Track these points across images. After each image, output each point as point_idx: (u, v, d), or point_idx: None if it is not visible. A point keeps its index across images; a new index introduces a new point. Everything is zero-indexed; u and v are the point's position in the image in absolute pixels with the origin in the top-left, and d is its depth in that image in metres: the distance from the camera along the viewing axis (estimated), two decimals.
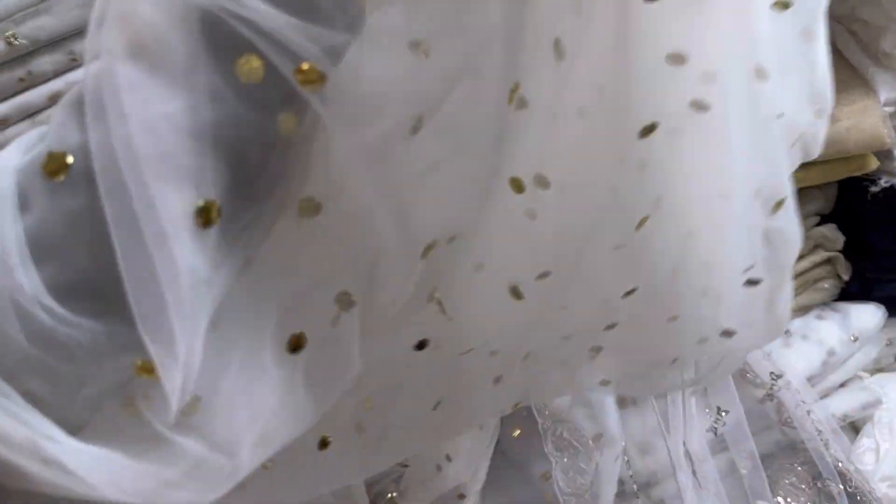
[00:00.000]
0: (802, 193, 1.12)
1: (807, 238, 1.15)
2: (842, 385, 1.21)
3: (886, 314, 1.18)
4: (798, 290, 1.16)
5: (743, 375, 1.05)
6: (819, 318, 1.17)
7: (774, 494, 1.11)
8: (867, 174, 1.09)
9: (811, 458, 1.06)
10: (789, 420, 1.04)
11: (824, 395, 1.17)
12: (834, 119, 0.99)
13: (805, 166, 1.03)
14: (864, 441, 1.18)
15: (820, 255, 1.15)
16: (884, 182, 1.09)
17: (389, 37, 0.38)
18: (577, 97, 0.47)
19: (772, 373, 1.03)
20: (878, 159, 1.06)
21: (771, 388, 1.03)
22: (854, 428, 1.21)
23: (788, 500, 1.11)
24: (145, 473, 0.38)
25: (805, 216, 1.14)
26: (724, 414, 1.03)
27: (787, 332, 1.16)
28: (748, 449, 1.04)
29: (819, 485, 1.12)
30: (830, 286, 1.17)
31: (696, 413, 1.01)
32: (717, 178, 0.55)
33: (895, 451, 1.17)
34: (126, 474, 0.37)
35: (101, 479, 0.35)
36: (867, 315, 1.17)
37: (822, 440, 1.06)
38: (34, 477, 0.33)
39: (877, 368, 1.27)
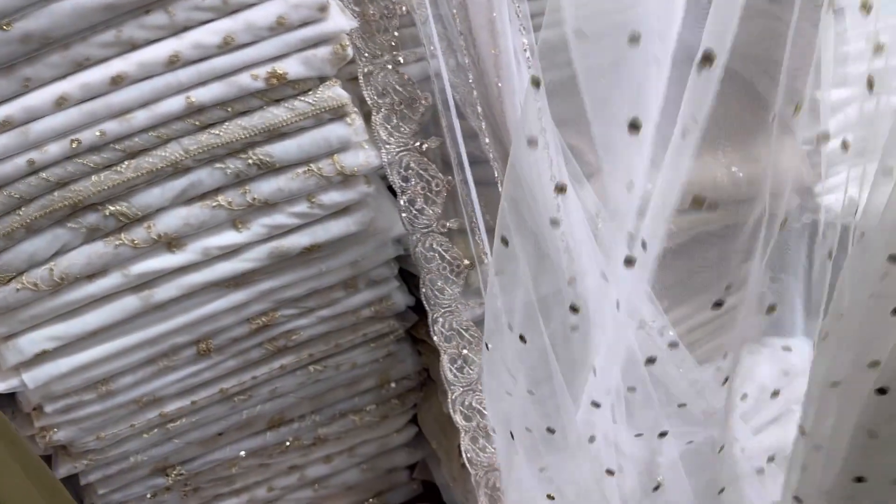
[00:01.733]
0: None
1: None
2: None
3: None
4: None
5: None
6: (750, 353, 1.18)
7: None
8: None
9: None
10: None
11: (758, 432, 1.18)
12: (754, 158, 1.01)
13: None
14: None
15: None
16: (805, 219, 1.12)
17: None
18: None
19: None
20: (799, 196, 1.08)
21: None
22: None
23: None
24: None
25: None
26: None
27: (718, 369, 1.16)
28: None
29: None
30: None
31: (631, 449, 1.00)
32: None
33: None
34: None
35: None
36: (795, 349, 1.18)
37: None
38: None
39: None
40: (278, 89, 0.87)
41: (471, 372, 0.97)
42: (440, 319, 0.96)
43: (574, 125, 1.03)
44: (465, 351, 0.97)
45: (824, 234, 1.11)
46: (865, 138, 1.09)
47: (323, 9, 0.84)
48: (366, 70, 0.92)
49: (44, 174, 0.82)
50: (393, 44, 0.91)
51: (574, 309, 0.92)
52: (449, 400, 0.97)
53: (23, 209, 0.83)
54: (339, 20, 0.86)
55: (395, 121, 0.92)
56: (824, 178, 1.09)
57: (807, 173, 1.01)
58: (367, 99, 0.92)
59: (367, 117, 0.94)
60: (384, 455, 1.27)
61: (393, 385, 1.18)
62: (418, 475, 1.32)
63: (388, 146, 0.93)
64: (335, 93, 0.88)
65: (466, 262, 0.95)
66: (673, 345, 1.01)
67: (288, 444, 1.15)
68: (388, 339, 1.11)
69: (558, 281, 0.98)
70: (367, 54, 0.91)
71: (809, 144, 1.06)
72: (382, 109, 0.92)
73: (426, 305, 0.97)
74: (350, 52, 0.88)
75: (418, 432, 1.27)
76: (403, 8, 0.90)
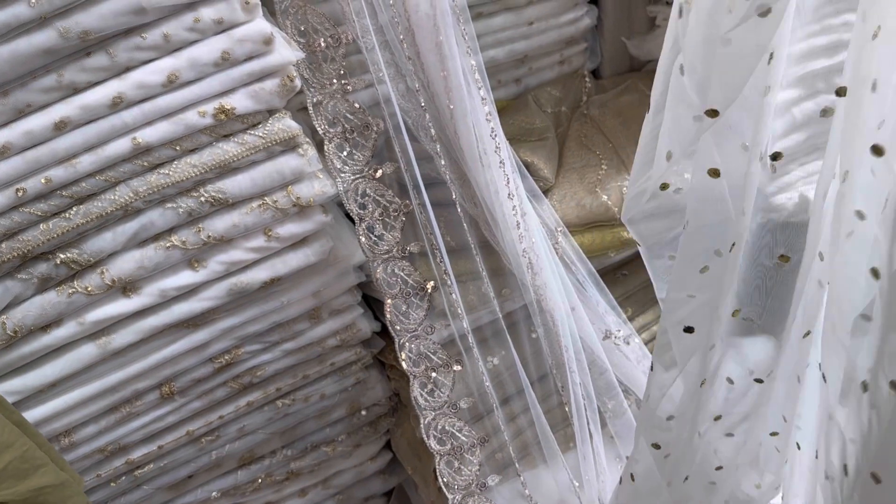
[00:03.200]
0: None
1: None
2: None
3: (777, 342, 1.21)
4: None
5: None
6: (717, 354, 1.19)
7: None
8: None
9: None
10: None
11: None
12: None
13: None
14: None
15: None
16: (759, 218, 1.13)
17: None
18: None
19: None
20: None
21: None
22: None
23: None
24: None
25: None
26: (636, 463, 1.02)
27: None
28: (663, 499, 1.03)
29: None
30: None
31: (608, 465, 1.00)
32: None
33: None
34: None
35: None
36: (759, 346, 1.19)
37: None
38: None
39: None
40: (227, 124, 0.85)
41: (441, 395, 0.96)
42: (407, 344, 0.95)
43: (528, 146, 1.04)
44: (434, 374, 0.96)
45: (775, 233, 1.13)
46: (813, 137, 1.12)
47: (268, 42, 0.83)
48: (315, 100, 0.91)
49: None
50: (341, 72, 0.91)
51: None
52: (422, 425, 0.96)
53: None
54: (285, 52, 0.85)
55: (347, 149, 0.92)
56: (775, 177, 1.11)
57: (764, 175, 1.03)
58: (319, 129, 0.91)
59: (319, 146, 0.93)
60: (360, 484, 1.26)
61: (364, 412, 1.17)
62: (395, 502, 1.31)
63: (342, 174, 0.92)
64: (285, 124, 0.87)
65: (430, 284, 0.95)
66: (638, 350, 1.01)
67: (260, 480, 1.13)
68: (356, 367, 1.10)
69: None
70: (315, 84, 0.90)
71: (759, 146, 1.08)
72: (334, 139, 0.91)
73: (391, 331, 0.96)
74: (298, 83, 0.87)
75: (393, 458, 1.26)
76: (349, 36, 0.90)
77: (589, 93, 1.19)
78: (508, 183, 0.91)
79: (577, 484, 1.00)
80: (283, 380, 1.05)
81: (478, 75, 0.88)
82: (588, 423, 0.97)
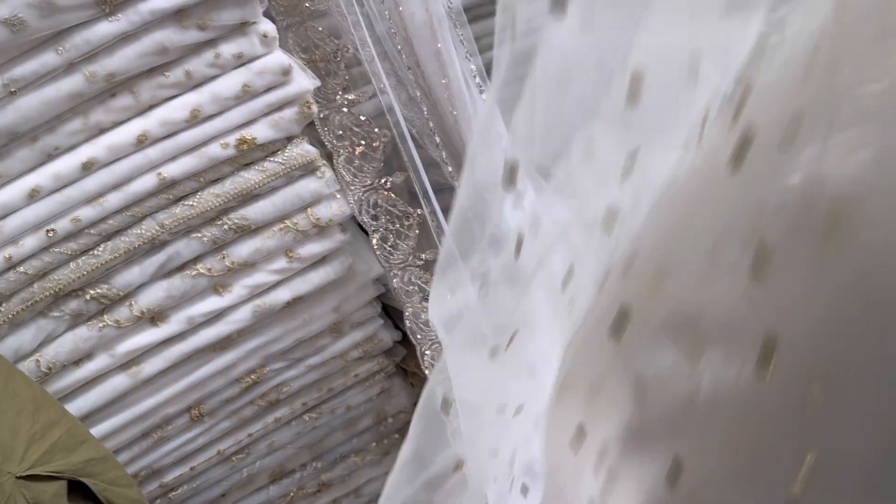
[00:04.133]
0: None
1: None
2: None
3: None
4: None
5: None
6: None
7: None
8: None
9: None
10: None
11: None
12: None
13: None
14: None
15: None
16: None
17: None
18: None
19: None
20: None
21: None
22: None
23: None
24: None
25: None
26: None
27: None
28: None
29: None
30: None
31: None
32: None
33: None
34: None
35: None
36: None
37: None
38: None
39: None
40: (248, 154, 0.88)
41: None
42: (428, 352, 0.98)
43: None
44: None
45: None
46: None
47: (286, 72, 0.86)
48: (322, 115, 0.93)
49: (21, 268, 0.82)
50: (345, 85, 0.94)
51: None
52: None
53: (3, 305, 0.83)
54: (303, 81, 0.88)
55: (357, 161, 0.94)
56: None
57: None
58: (327, 143, 0.94)
59: (328, 158, 0.96)
60: None
61: (390, 420, 1.19)
62: None
63: (352, 188, 0.95)
64: (304, 149, 0.90)
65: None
66: None
67: (292, 494, 1.15)
68: (379, 377, 1.13)
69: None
70: (320, 99, 0.93)
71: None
72: (343, 152, 0.94)
73: (412, 339, 0.98)
74: (315, 109, 0.90)
75: None
76: (349, 49, 0.93)
77: None
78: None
79: None
80: (308, 394, 1.07)
81: (479, 79, 0.91)
82: None
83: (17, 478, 0.63)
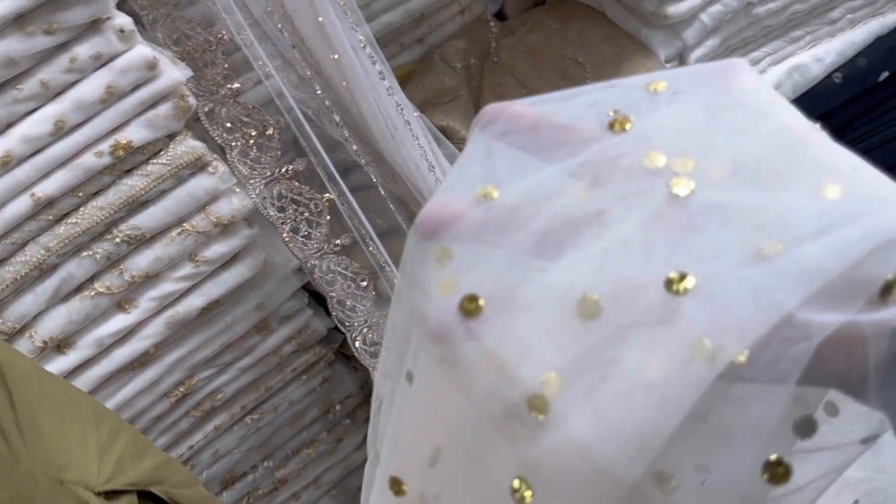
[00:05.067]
0: None
1: None
2: None
3: None
4: None
5: None
6: None
7: None
8: None
9: None
10: None
11: None
12: None
13: None
14: None
15: None
16: None
17: None
18: None
19: None
20: None
21: None
22: None
23: None
24: None
25: None
26: None
27: None
28: None
29: None
30: None
31: None
32: None
33: None
34: None
35: None
36: None
37: None
38: None
39: None
40: (127, 159, 0.81)
41: None
42: (359, 339, 0.93)
43: (441, 109, 1.01)
44: None
45: None
46: (730, 38, 1.10)
47: (152, 66, 0.78)
48: (206, 109, 0.86)
49: None
50: (226, 74, 0.86)
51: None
52: None
53: None
54: (172, 73, 0.80)
55: (252, 153, 0.88)
56: None
57: None
58: (217, 138, 0.87)
59: (221, 153, 0.89)
60: (351, 475, 1.25)
61: (338, 407, 1.15)
62: None
63: (252, 181, 0.89)
64: (189, 146, 0.83)
65: (368, 273, 0.92)
66: None
67: (248, 497, 1.12)
68: (319, 367, 1.08)
69: None
70: (202, 92, 0.86)
71: (673, 62, 1.06)
72: (236, 145, 0.87)
73: (342, 328, 0.94)
74: (192, 101, 0.83)
75: None
76: (224, 35, 0.85)
77: (496, 38, 1.15)
78: (426, 155, 0.88)
79: None
80: (246, 397, 1.02)
81: (369, 49, 0.84)
82: None
83: (97, 494, 0.59)
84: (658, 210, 0.27)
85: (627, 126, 0.29)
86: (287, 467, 1.15)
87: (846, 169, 0.27)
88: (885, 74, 1.12)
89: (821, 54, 1.08)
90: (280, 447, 1.13)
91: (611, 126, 0.29)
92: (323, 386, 1.11)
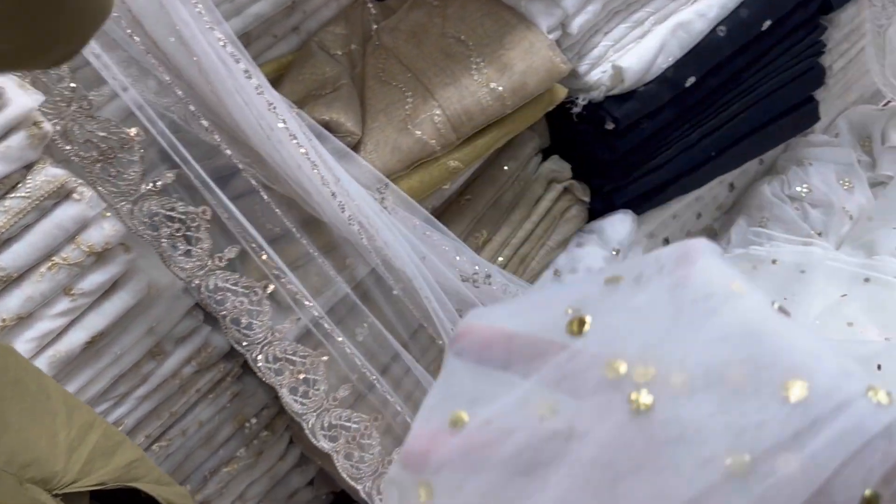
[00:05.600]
0: (516, 142, 1.11)
1: (539, 177, 1.14)
2: None
3: (635, 215, 1.20)
4: (550, 229, 1.16)
5: None
6: (579, 245, 1.17)
7: None
8: (566, 99, 1.09)
9: None
10: None
11: None
12: (508, 67, 0.97)
13: (503, 120, 1.01)
14: None
15: (556, 189, 1.15)
16: (582, 100, 1.10)
17: None
18: None
19: None
20: (566, 84, 1.06)
21: None
22: None
23: None
24: None
25: (528, 158, 1.13)
26: None
27: (555, 272, 1.15)
28: None
29: None
30: (577, 212, 1.18)
31: None
32: None
33: None
34: None
35: None
36: (619, 224, 1.19)
37: None
38: None
39: None
40: None
41: (317, 392, 0.91)
42: (260, 356, 0.88)
43: (322, 102, 0.96)
44: (302, 375, 0.90)
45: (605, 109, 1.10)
46: (610, 1, 1.07)
47: None
48: (58, 128, 0.79)
49: None
50: (73, 88, 0.79)
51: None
52: (307, 430, 0.91)
53: None
54: (22, 100, 0.73)
55: (114, 171, 0.81)
56: (582, 56, 1.07)
57: (562, 62, 0.98)
58: (74, 158, 0.80)
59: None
60: (278, 486, 1.21)
61: (254, 421, 1.10)
62: (320, 488, 1.27)
63: (118, 201, 0.82)
64: (49, 174, 0.76)
65: (262, 284, 0.87)
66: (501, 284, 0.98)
67: None
68: (226, 383, 1.03)
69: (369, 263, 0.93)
70: (51, 112, 0.78)
71: (556, 31, 1.03)
72: (95, 165, 0.80)
73: (238, 348, 0.89)
74: (48, 126, 0.75)
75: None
76: None
77: (376, 20, 1.10)
78: (308, 154, 0.83)
79: None
80: (149, 426, 0.96)
81: (230, 48, 0.78)
82: None
83: (56, 496, 0.54)
84: (621, 426, 0.27)
85: (585, 327, 0.29)
86: (207, 489, 1.10)
87: (808, 357, 0.26)
88: (768, 23, 1.12)
89: (703, 9, 1.07)
90: (196, 470, 1.07)
91: (570, 327, 0.30)
92: (233, 402, 1.06)
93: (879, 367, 1.02)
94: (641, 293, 0.30)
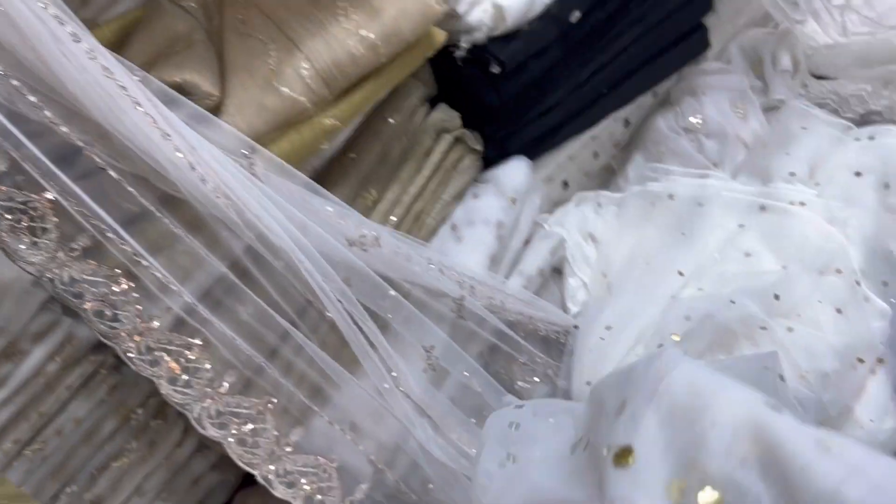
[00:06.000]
0: (399, 92, 1.04)
1: (427, 128, 1.08)
2: (527, 242, 1.19)
3: (530, 161, 1.16)
4: (444, 182, 1.10)
5: (432, 301, 0.98)
6: (475, 196, 1.12)
7: (514, 382, 1.09)
8: (448, 44, 1.02)
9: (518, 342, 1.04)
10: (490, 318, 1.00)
11: (515, 264, 1.16)
12: (378, 12, 0.90)
13: (380, 70, 0.94)
14: (571, 281, 1.19)
15: (447, 140, 1.09)
16: (464, 43, 1.03)
17: None
18: None
19: (454, 298, 0.97)
20: (446, 27, 0.99)
21: (461, 302, 0.97)
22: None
23: (527, 379, 1.09)
24: None
25: (414, 109, 1.06)
26: (432, 349, 0.96)
27: (453, 226, 1.10)
28: (467, 365, 0.99)
29: (547, 346, 1.12)
30: (471, 162, 1.13)
31: (406, 364, 0.93)
32: None
33: (598, 276, 1.19)
34: None
35: None
36: (514, 172, 1.14)
37: (521, 316, 1.04)
38: None
39: (553, 205, 1.27)
40: None
41: (200, 381, 0.84)
42: (132, 350, 0.81)
43: (173, 62, 0.86)
44: (181, 364, 0.83)
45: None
46: None
47: None
48: None
49: None
50: None
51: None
52: (193, 421, 0.85)
53: None
54: None
55: None
56: None
57: (435, 1, 0.91)
58: None
59: None
60: (179, 474, 1.14)
61: (140, 411, 1.02)
62: (227, 471, 1.20)
63: None
64: None
65: (124, 272, 0.79)
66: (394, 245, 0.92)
67: None
68: (100, 376, 0.94)
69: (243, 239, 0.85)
70: None
71: None
72: None
73: (109, 343, 0.81)
74: None
75: None
76: None
77: None
78: (156, 123, 0.74)
79: (386, 386, 0.94)
80: (17, 429, 0.88)
81: (53, 9, 0.68)
82: (366, 335, 0.88)
83: None
84: None
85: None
86: (97, 487, 1.02)
87: None
88: (577, 15, 1.07)
89: None
90: (81, 469, 0.99)
91: None
92: (113, 394, 0.97)
93: (777, 297, 1.02)
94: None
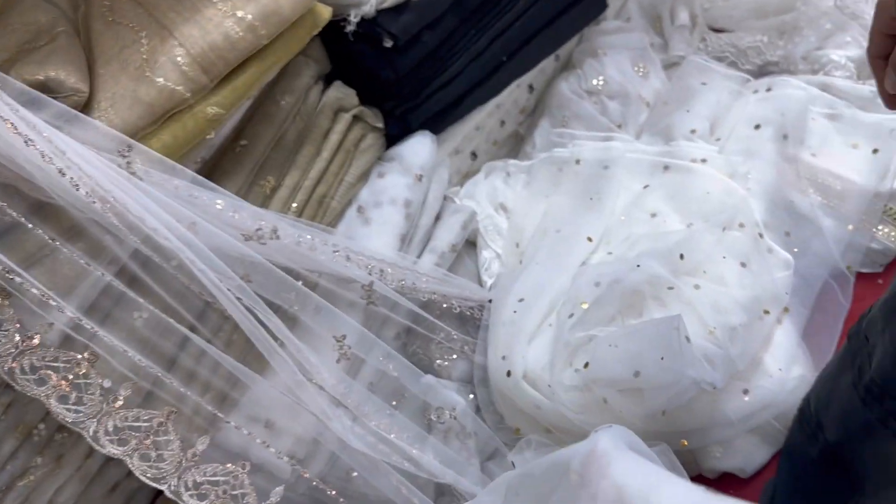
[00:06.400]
0: (289, 72, 0.99)
1: (323, 108, 1.04)
2: (437, 219, 1.17)
3: (434, 135, 1.13)
4: (346, 163, 1.07)
5: (341, 290, 0.96)
6: (381, 176, 1.09)
7: (433, 362, 1.07)
8: (336, 19, 0.98)
9: (433, 322, 1.03)
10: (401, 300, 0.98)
11: (426, 242, 1.13)
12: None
13: (265, 50, 0.89)
14: (485, 253, 1.18)
15: (345, 119, 1.05)
16: (354, 17, 0.99)
17: None
18: None
19: (363, 285, 0.95)
20: (332, 2, 0.95)
21: (370, 288, 0.95)
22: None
23: (446, 357, 1.08)
24: None
25: (307, 89, 1.02)
26: (343, 338, 0.94)
27: (359, 208, 1.07)
28: (383, 350, 0.97)
29: (463, 323, 1.11)
30: (373, 140, 1.09)
31: (318, 356, 0.91)
32: None
33: (511, 247, 1.18)
34: None
35: None
36: (418, 147, 1.11)
37: (434, 295, 1.02)
38: None
39: (463, 178, 1.26)
40: None
41: (93, 397, 0.80)
42: (16, 372, 0.76)
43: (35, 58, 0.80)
44: (70, 382, 0.78)
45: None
46: None
47: None
48: None
49: None
50: None
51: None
52: (89, 438, 0.80)
53: None
54: None
55: None
56: None
57: None
58: None
59: None
60: (93, 484, 1.09)
61: (42, 426, 0.97)
62: None
63: None
64: None
65: None
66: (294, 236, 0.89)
67: None
68: None
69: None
70: None
71: None
72: None
73: None
74: None
75: None
76: None
77: None
78: (17, 128, 0.68)
79: (298, 380, 0.91)
80: None
81: None
82: (271, 331, 0.85)
83: None
84: None
85: None
86: None
87: None
88: None
89: None
90: None
91: None
92: (8, 412, 0.92)
93: (682, 256, 1.03)
94: None
